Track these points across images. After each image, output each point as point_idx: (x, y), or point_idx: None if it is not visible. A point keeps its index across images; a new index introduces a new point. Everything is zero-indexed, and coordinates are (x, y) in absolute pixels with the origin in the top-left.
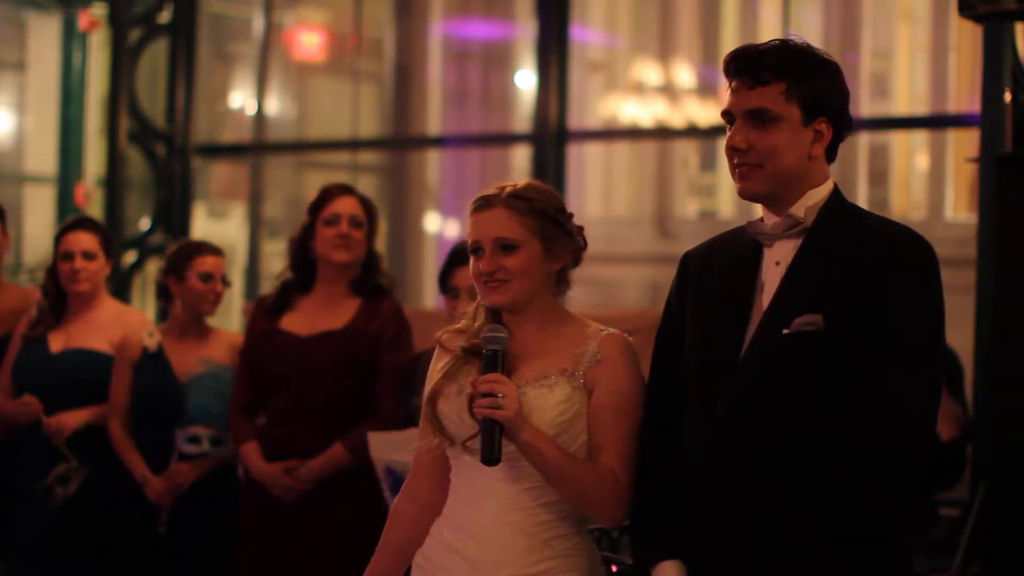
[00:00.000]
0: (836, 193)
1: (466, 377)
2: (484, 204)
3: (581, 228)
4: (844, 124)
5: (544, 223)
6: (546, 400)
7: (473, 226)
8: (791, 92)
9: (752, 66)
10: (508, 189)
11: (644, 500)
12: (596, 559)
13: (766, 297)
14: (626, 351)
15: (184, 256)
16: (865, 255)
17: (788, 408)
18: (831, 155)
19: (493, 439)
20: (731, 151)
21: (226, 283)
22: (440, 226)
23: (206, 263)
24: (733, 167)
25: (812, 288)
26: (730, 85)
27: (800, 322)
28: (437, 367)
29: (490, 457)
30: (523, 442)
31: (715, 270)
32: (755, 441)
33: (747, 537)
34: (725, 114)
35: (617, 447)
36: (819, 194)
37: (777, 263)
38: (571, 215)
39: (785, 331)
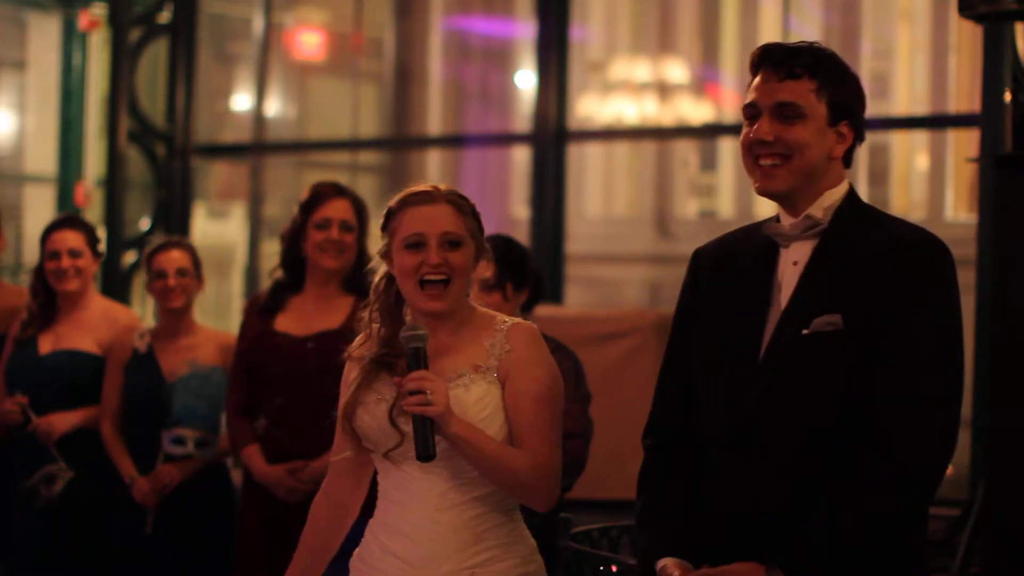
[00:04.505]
0: (851, 194)
1: (382, 385)
2: (427, 198)
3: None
4: (860, 133)
5: (475, 226)
6: (465, 398)
7: (414, 218)
8: (821, 91)
9: (785, 60)
10: (443, 188)
11: (654, 498)
12: (533, 544)
13: (784, 297)
14: (534, 339)
15: (147, 259)
16: (880, 256)
17: (810, 408)
18: (847, 161)
19: (426, 435)
20: (755, 144)
21: (185, 274)
22: None
23: (160, 261)
24: (753, 162)
25: (830, 288)
26: (758, 78)
27: (820, 322)
28: (348, 379)
29: (425, 454)
30: (453, 435)
31: (729, 269)
32: (778, 441)
33: (765, 538)
34: (749, 107)
35: (542, 434)
36: (835, 195)
37: (795, 263)
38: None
39: (805, 331)
